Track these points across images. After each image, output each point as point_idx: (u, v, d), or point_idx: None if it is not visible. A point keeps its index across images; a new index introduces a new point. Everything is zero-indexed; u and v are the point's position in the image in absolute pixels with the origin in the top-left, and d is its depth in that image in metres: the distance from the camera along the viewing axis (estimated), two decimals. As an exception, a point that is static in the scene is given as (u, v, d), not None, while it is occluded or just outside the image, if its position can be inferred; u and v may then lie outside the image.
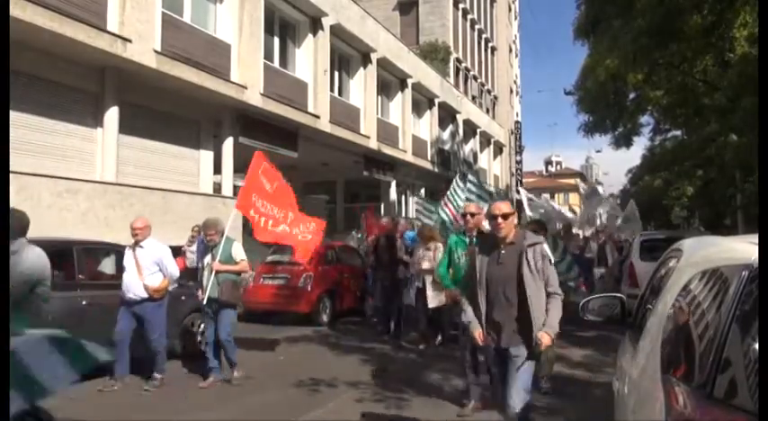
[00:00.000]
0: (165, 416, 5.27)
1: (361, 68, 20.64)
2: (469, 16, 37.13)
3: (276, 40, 16.66)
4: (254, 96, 14.53)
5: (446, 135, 29.17)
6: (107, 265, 7.87)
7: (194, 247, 9.85)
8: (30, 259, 3.64)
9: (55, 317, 5.70)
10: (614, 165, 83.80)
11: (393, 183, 23.60)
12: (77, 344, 3.06)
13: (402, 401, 5.59)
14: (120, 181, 11.79)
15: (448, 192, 9.99)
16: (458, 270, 5.45)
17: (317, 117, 17.24)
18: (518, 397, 3.57)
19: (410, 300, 8.93)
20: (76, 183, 10.79)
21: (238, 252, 6.49)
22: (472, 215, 5.39)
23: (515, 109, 50.57)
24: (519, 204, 18.28)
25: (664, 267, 2.95)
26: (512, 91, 48.68)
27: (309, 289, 10.32)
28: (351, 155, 20.52)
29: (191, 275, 8.30)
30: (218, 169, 14.90)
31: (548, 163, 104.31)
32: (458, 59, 34.25)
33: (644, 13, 10.90)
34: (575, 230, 17.65)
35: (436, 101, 26.98)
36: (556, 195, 73.10)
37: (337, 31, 18.42)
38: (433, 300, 7.99)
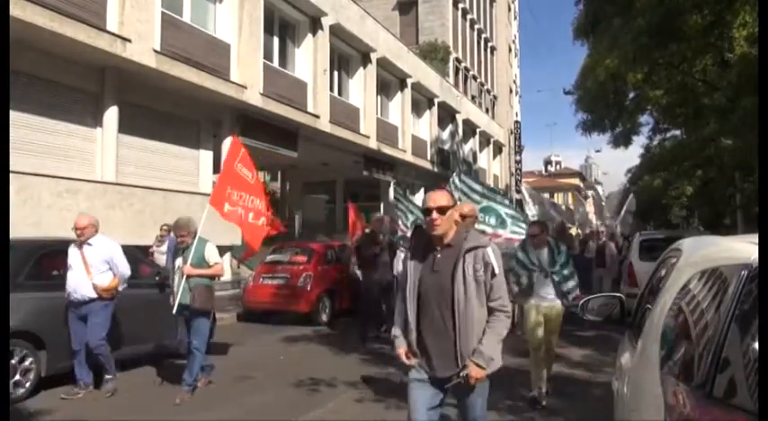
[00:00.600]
0: (165, 416, 5.26)
1: (361, 68, 20.64)
2: (469, 16, 37.13)
3: (276, 40, 16.66)
4: (253, 96, 14.53)
5: (446, 135, 29.18)
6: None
7: (164, 247, 9.72)
8: None
9: (55, 317, 5.72)
10: (614, 164, 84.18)
11: (393, 183, 23.62)
12: None
13: (402, 402, 5.59)
14: (119, 181, 11.79)
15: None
16: None
17: (317, 117, 17.24)
18: None
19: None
20: (76, 182, 10.79)
21: (212, 254, 6.00)
22: (463, 217, 4.80)
23: (515, 109, 50.56)
24: (519, 204, 18.25)
25: (663, 267, 2.95)
26: (511, 91, 48.67)
27: (309, 288, 10.33)
28: (350, 154, 20.53)
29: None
30: (217, 169, 14.84)
31: (547, 163, 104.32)
32: (457, 59, 34.25)
33: (643, 12, 10.89)
34: (574, 231, 17.68)
35: (436, 100, 26.99)
36: (555, 195, 73.10)
37: (337, 31, 18.43)
38: None
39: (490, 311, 2.93)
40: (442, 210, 2.94)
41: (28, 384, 5.51)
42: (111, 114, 11.61)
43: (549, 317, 5.52)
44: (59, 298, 5.71)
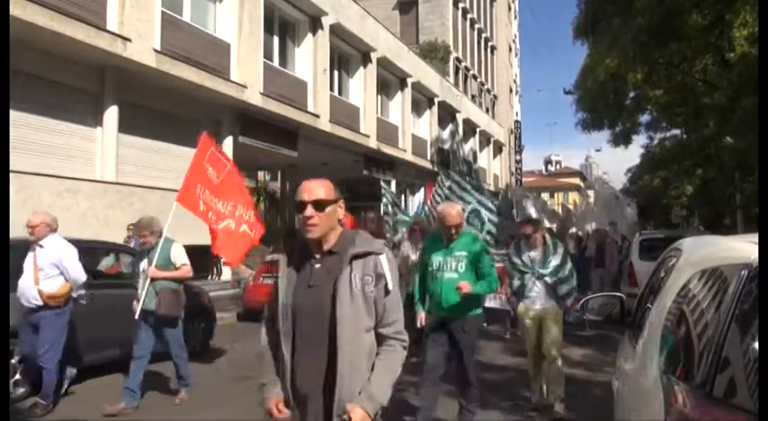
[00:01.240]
0: (165, 416, 5.26)
1: (361, 68, 20.65)
2: (469, 15, 37.13)
3: (276, 40, 16.67)
4: (253, 96, 14.53)
5: (446, 134, 29.18)
6: (107, 265, 7.90)
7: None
8: None
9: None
10: (614, 164, 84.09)
11: (393, 183, 23.61)
12: None
13: (402, 401, 5.59)
14: (119, 180, 11.79)
15: (433, 194, 9.09)
16: (435, 284, 4.53)
17: (317, 116, 17.24)
18: None
19: None
20: (76, 182, 10.80)
21: (179, 255, 5.54)
22: (451, 227, 4.46)
23: (515, 108, 50.57)
24: (518, 205, 18.22)
25: (663, 266, 2.95)
26: (511, 90, 48.68)
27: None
28: (351, 154, 20.53)
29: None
30: (217, 168, 14.90)
31: (547, 162, 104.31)
32: (457, 59, 34.25)
33: (643, 12, 10.90)
34: (573, 230, 17.64)
35: (436, 100, 26.99)
36: (555, 194, 73.10)
37: (337, 31, 18.43)
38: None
39: (382, 340, 2.18)
40: (320, 205, 2.16)
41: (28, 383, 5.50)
42: (112, 114, 11.61)
43: (544, 322, 5.14)
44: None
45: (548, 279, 5.11)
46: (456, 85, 32.33)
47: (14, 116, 9.32)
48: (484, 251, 4.55)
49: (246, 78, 14.28)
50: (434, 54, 30.75)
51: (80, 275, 5.25)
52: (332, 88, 18.88)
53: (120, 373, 6.22)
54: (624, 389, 2.65)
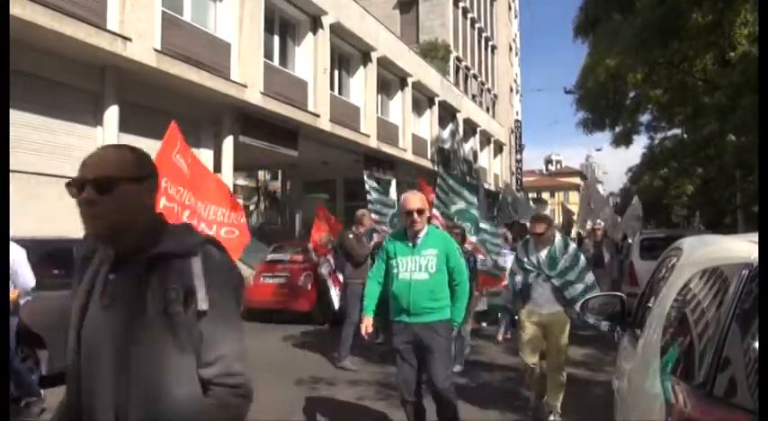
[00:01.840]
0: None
1: (361, 67, 20.64)
2: (469, 15, 37.12)
3: (276, 39, 16.66)
4: (254, 95, 14.52)
5: (446, 134, 29.17)
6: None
7: None
8: None
9: (56, 316, 5.72)
10: (614, 163, 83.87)
11: (393, 182, 23.61)
12: None
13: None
14: (120, 180, 11.78)
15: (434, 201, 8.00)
16: (401, 286, 4.01)
17: (317, 116, 17.24)
18: None
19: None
20: (77, 181, 10.79)
21: None
22: (420, 212, 3.96)
23: (515, 107, 50.56)
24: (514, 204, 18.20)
25: (664, 266, 2.95)
26: (512, 89, 48.67)
27: (309, 287, 10.33)
28: (351, 154, 20.53)
29: None
30: (218, 168, 14.90)
31: (548, 161, 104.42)
32: (458, 58, 34.24)
33: (644, 12, 10.90)
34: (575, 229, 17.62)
35: (436, 99, 26.98)
36: (556, 194, 73.12)
37: (337, 30, 18.42)
38: None
39: (204, 387, 1.45)
40: (105, 185, 1.42)
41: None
42: (112, 113, 11.61)
43: (550, 329, 4.76)
44: (60, 297, 5.70)
45: (555, 281, 4.72)
46: (456, 84, 32.31)
47: (14, 116, 9.32)
48: (456, 249, 4.17)
49: (247, 78, 14.28)
50: (435, 53, 30.75)
51: (29, 282, 4.98)
52: (332, 88, 18.87)
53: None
54: (625, 388, 2.65)
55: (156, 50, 11.68)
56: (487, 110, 39.32)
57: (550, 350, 4.81)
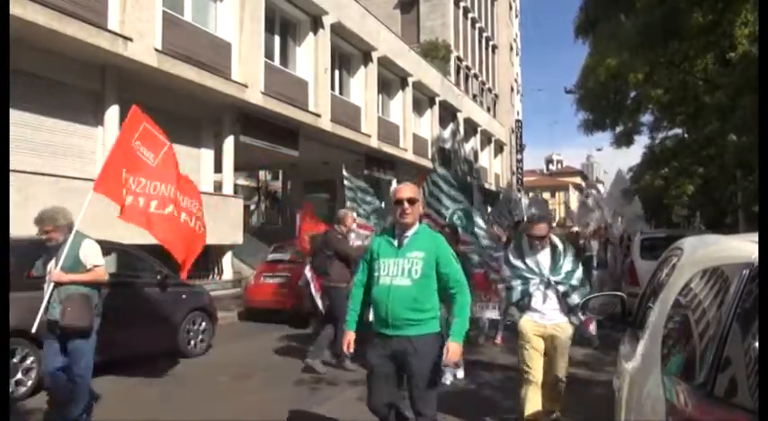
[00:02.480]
0: (164, 416, 5.27)
1: (362, 67, 20.64)
2: (470, 15, 37.12)
3: (277, 39, 16.67)
4: (254, 95, 14.53)
5: (447, 134, 29.17)
6: (108, 264, 7.88)
7: None
8: None
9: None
10: (615, 163, 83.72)
11: (394, 182, 23.61)
12: None
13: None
14: (120, 179, 11.79)
15: (428, 198, 7.80)
16: (380, 293, 3.46)
17: (318, 116, 17.24)
18: None
19: None
20: (77, 181, 10.79)
21: (90, 254, 4.62)
22: (411, 201, 3.47)
23: (516, 107, 50.55)
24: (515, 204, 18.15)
25: (664, 266, 2.94)
26: (512, 89, 48.66)
27: (310, 287, 10.30)
28: (351, 153, 20.52)
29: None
30: (218, 168, 14.91)
31: (548, 161, 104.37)
32: (458, 58, 34.24)
33: (644, 12, 10.90)
34: (575, 229, 17.57)
35: (437, 99, 26.99)
36: (557, 194, 73.13)
37: (338, 30, 18.42)
38: None
39: None
40: None
41: (29, 383, 5.49)
42: (113, 113, 11.61)
43: (554, 340, 4.29)
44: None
45: (560, 287, 4.26)
46: (457, 84, 32.31)
47: (15, 115, 9.33)
48: (449, 252, 3.52)
49: (247, 78, 14.28)
50: (435, 53, 30.75)
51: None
52: (333, 87, 18.87)
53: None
54: (625, 388, 2.64)
55: (156, 50, 11.69)
56: (488, 110, 39.31)
57: (553, 365, 4.31)
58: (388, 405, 3.57)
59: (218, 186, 15.33)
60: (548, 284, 4.27)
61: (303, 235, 8.84)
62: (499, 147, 39.92)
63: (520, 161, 43.89)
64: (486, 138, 36.73)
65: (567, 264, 4.32)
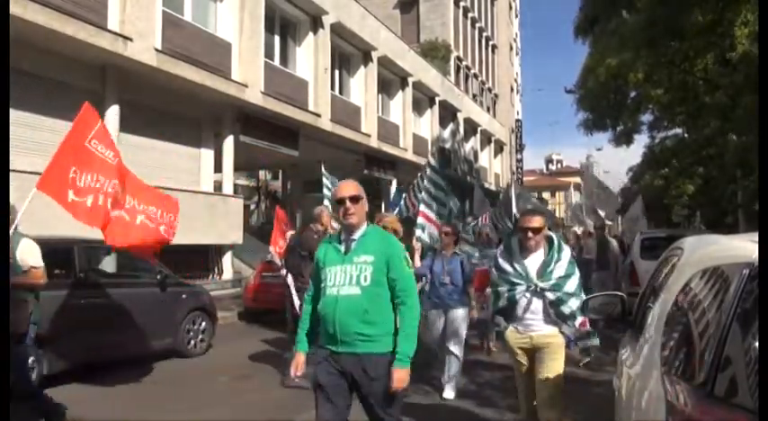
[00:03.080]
0: (164, 416, 5.27)
1: (362, 67, 20.64)
2: (470, 14, 37.12)
3: (277, 39, 16.67)
4: (254, 95, 14.53)
5: (447, 133, 29.18)
6: (108, 264, 7.89)
7: None
8: None
9: (57, 316, 5.72)
10: (615, 163, 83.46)
11: (394, 182, 23.60)
12: None
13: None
14: (120, 179, 11.78)
15: (422, 195, 7.68)
16: (327, 305, 3.04)
17: (318, 115, 17.24)
18: None
19: None
20: (77, 181, 10.80)
21: (28, 254, 4.32)
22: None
23: (516, 107, 50.55)
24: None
25: (664, 266, 2.94)
26: (512, 89, 48.66)
27: (310, 287, 10.29)
28: (351, 153, 20.52)
29: None
30: (218, 168, 14.91)
31: (548, 161, 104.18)
32: (458, 58, 34.24)
33: (646, 10, 10.92)
34: (575, 229, 17.56)
35: (437, 99, 26.99)
36: (557, 193, 73.11)
37: (338, 30, 18.42)
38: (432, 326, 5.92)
39: None
40: None
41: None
42: (113, 113, 11.60)
43: (542, 355, 3.80)
44: (61, 297, 5.72)
45: (550, 295, 3.78)
46: (457, 84, 32.31)
47: (15, 115, 9.32)
48: (399, 254, 3.09)
49: (247, 77, 14.28)
50: (435, 53, 30.74)
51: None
52: (333, 87, 18.87)
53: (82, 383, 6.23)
54: (625, 388, 2.64)
55: (156, 50, 11.68)
56: (488, 109, 39.31)
57: (542, 382, 3.76)
58: None
59: (218, 186, 15.33)
60: (535, 291, 3.80)
61: (279, 240, 8.46)
62: (499, 147, 39.92)
63: (520, 161, 43.90)
64: (486, 138, 36.73)
65: (558, 269, 3.80)
